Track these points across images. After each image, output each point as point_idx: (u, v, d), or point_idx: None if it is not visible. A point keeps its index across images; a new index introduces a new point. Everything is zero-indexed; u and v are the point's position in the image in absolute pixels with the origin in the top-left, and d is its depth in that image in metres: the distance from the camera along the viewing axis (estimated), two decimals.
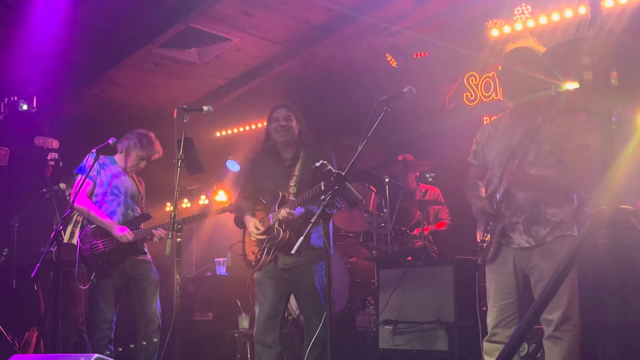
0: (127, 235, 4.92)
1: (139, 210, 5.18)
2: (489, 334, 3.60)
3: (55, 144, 6.63)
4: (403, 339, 4.91)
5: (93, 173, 4.99)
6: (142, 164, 5.23)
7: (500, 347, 3.49)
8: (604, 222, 2.17)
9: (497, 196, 3.53)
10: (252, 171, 4.65)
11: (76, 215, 5.72)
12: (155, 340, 4.91)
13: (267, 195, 4.45)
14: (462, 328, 4.58)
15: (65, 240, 5.64)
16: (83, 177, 4.87)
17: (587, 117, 3.48)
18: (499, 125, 3.72)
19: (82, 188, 4.83)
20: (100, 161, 5.05)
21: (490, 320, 3.59)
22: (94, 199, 5.01)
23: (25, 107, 6.74)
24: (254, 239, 4.39)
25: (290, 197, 4.31)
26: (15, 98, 6.80)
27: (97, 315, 4.85)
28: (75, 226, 5.78)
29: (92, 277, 4.85)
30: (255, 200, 4.53)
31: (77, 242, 4.99)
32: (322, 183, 3.85)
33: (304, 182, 4.32)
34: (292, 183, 4.38)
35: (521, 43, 3.66)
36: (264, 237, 4.33)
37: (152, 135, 5.24)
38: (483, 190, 3.78)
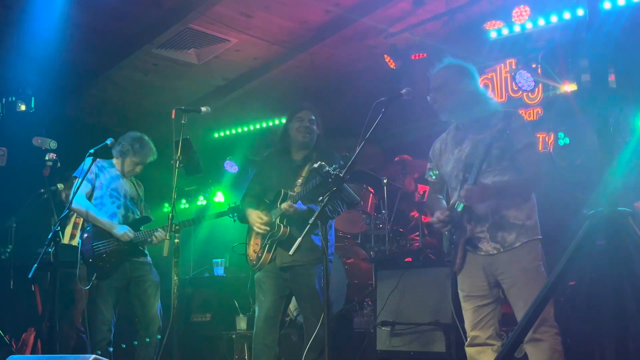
0: (128, 233, 4.93)
1: (139, 213, 5.18)
2: (469, 338, 3.60)
3: (53, 144, 6.62)
4: (401, 340, 4.91)
5: (91, 176, 4.99)
6: (138, 169, 5.24)
7: (483, 349, 3.51)
8: (602, 224, 2.17)
9: (458, 208, 3.54)
10: (260, 170, 4.67)
11: (75, 217, 5.72)
12: (156, 341, 4.91)
13: (271, 194, 4.47)
14: (459, 329, 4.57)
15: (65, 241, 5.64)
16: (82, 179, 4.87)
17: (523, 119, 3.65)
18: (447, 141, 3.79)
19: (80, 189, 4.82)
20: (99, 164, 5.06)
21: (467, 324, 3.61)
22: (93, 201, 5.01)
23: (23, 107, 6.73)
24: (256, 229, 4.39)
25: (292, 193, 4.32)
26: (14, 98, 6.80)
27: (97, 317, 4.85)
28: (75, 228, 5.78)
29: (93, 278, 4.85)
30: (259, 199, 4.54)
31: (79, 243, 4.99)
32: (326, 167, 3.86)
33: (308, 186, 4.33)
34: (298, 182, 4.40)
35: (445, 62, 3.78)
36: (267, 228, 4.34)
37: (145, 138, 5.23)
38: (444, 202, 3.82)
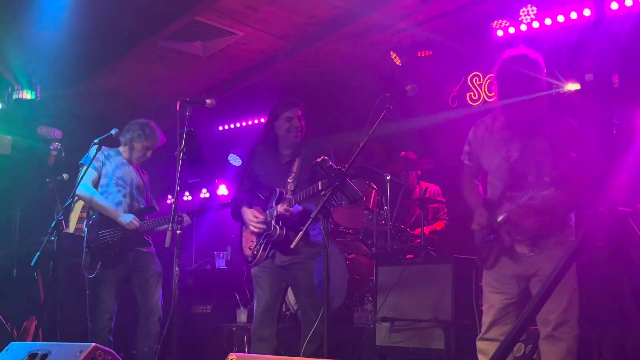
0: (134, 222, 4.96)
1: (144, 202, 5.20)
2: (482, 332, 3.60)
3: (58, 134, 6.66)
4: (400, 336, 4.92)
5: (97, 163, 5.01)
6: (149, 154, 5.25)
7: (494, 344, 3.49)
8: (602, 224, 2.18)
9: (498, 219, 3.47)
10: (250, 166, 4.66)
11: (81, 210, 5.74)
12: (156, 331, 4.94)
13: (265, 191, 4.46)
14: (459, 327, 4.59)
15: (71, 231, 5.67)
16: (89, 167, 4.88)
17: (576, 129, 3.49)
18: (493, 131, 3.65)
19: (85, 177, 4.84)
20: (105, 152, 5.07)
21: (486, 319, 3.58)
22: (99, 189, 5.03)
23: (28, 96, 6.76)
24: (252, 228, 4.39)
25: (288, 195, 4.32)
26: (19, 87, 6.83)
27: (98, 305, 4.88)
28: (80, 222, 5.80)
29: (97, 267, 4.87)
30: (253, 194, 4.54)
31: (84, 232, 5.01)
32: (320, 182, 3.86)
33: (302, 179, 4.33)
34: (290, 180, 4.39)
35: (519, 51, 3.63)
36: (263, 227, 4.34)
37: (153, 123, 5.26)
38: (480, 188, 3.76)
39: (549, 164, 3.41)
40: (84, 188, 4.89)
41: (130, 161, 5.21)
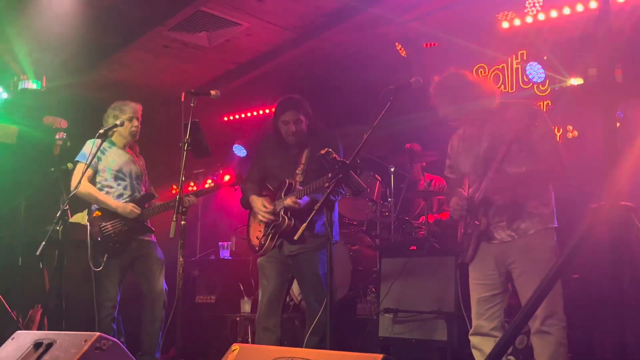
0: (134, 209, 5.00)
1: (143, 190, 5.23)
2: (473, 327, 3.63)
3: (63, 123, 6.67)
4: (403, 327, 4.94)
5: (93, 160, 4.99)
6: (135, 123, 5.19)
7: (486, 339, 3.53)
8: (604, 219, 2.18)
9: (476, 199, 3.57)
10: (259, 157, 4.68)
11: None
12: (161, 317, 4.99)
13: (274, 182, 4.48)
14: (461, 318, 4.60)
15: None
16: (84, 164, 4.90)
17: (542, 112, 3.63)
18: (465, 137, 3.79)
19: (82, 175, 4.86)
20: (101, 147, 5.04)
21: (474, 312, 3.64)
22: (98, 185, 5.07)
23: (34, 86, 6.77)
24: (260, 217, 4.42)
25: (297, 186, 4.34)
26: (25, 77, 6.84)
27: (102, 294, 4.92)
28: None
29: (103, 259, 4.91)
30: (262, 185, 4.56)
31: (87, 226, 5.03)
32: (330, 175, 3.87)
33: (310, 170, 4.34)
34: (298, 171, 4.41)
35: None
36: (271, 217, 4.36)
37: (119, 101, 5.26)
38: (463, 192, 3.82)
39: (518, 147, 3.48)
40: (83, 187, 4.90)
41: (124, 146, 5.23)
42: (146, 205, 5.12)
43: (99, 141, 4.86)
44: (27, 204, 5.93)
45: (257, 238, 4.49)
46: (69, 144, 6.26)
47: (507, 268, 3.54)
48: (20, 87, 6.88)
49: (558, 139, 5.66)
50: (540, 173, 3.52)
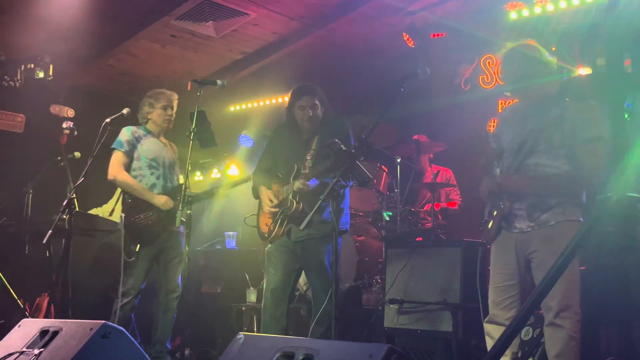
0: (169, 202, 5.00)
1: (176, 180, 5.22)
2: (489, 314, 3.63)
3: (70, 112, 6.69)
4: (408, 318, 4.94)
5: (128, 147, 5.06)
6: (169, 112, 5.23)
7: (501, 328, 3.52)
8: (611, 210, 2.17)
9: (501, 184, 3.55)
10: (271, 144, 4.69)
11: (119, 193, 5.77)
12: (174, 307, 4.99)
13: (284, 168, 4.49)
14: (467, 310, 4.60)
15: (106, 215, 5.71)
16: (121, 152, 4.98)
17: (601, 108, 3.48)
18: (515, 112, 3.74)
19: (118, 162, 4.95)
20: (135, 134, 5.11)
21: (490, 301, 3.63)
22: (132, 173, 5.08)
23: (41, 75, 6.76)
24: (267, 211, 4.44)
25: (306, 170, 4.34)
26: (32, 66, 6.83)
27: (128, 281, 4.93)
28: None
29: (136, 249, 4.92)
30: (272, 173, 4.57)
31: (121, 217, 5.04)
32: (333, 162, 3.87)
33: (321, 156, 4.34)
34: (308, 157, 4.41)
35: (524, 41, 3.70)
36: (277, 210, 4.38)
37: (156, 89, 5.29)
38: (498, 170, 3.79)
39: (559, 138, 3.44)
40: (118, 174, 4.97)
41: (159, 134, 5.25)
42: (178, 197, 5.09)
43: (134, 128, 4.89)
44: (34, 193, 5.94)
45: (266, 225, 4.51)
46: (75, 133, 6.27)
47: (527, 257, 3.51)
48: (27, 76, 6.88)
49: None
50: (570, 178, 3.44)
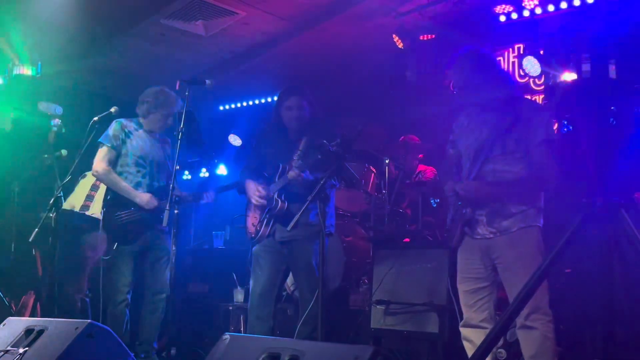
0: (153, 200, 4.88)
1: (164, 180, 5.08)
2: (464, 319, 3.66)
3: (58, 110, 6.66)
4: (395, 319, 4.95)
5: (117, 142, 4.91)
6: (169, 120, 5.06)
7: (476, 331, 3.55)
8: (595, 214, 2.19)
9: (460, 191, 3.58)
10: (258, 144, 4.69)
11: (89, 188, 5.72)
12: (162, 307, 4.92)
13: (270, 168, 4.49)
14: (453, 311, 4.61)
15: (77, 209, 5.66)
16: (107, 146, 4.86)
17: (547, 114, 3.57)
18: (471, 118, 3.77)
19: (104, 156, 4.84)
20: (126, 129, 4.96)
21: (462, 305, 3.67)
22: (118, 169, 4.93)
23: (30, 72, 6.75)
24: (254, 201, 4.43)
25: (295, 162, 4.34)
26: (20, 63, 6.81)
27: (118, 279, 4.84)
28: (88, 199, 5.76)
29: (113, 247, 4.83)
30: (258, 173, 4.57)
31: (102, 212, 4.94)
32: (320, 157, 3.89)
33: (307, 157, 4.35)
34: (295, 157, 4.41)
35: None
36: (263, 201, 4.38)
37: (166, 89, 5.08)
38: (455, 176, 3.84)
39: (513, 143, 3.48)
40: (102, 170, 4.86)
41: (152, 131, 5.08)
42: (164, 197, 5.01)
43: (126, 122, 4.80)
44: (21, 190, 5.92)
45: (253, 225, 4.51)
46: (64, 130, 6.24)
47: (493, 262, 3.55)
48: (15, 72, 6.85)
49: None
50: (530, 182, 3.49)
